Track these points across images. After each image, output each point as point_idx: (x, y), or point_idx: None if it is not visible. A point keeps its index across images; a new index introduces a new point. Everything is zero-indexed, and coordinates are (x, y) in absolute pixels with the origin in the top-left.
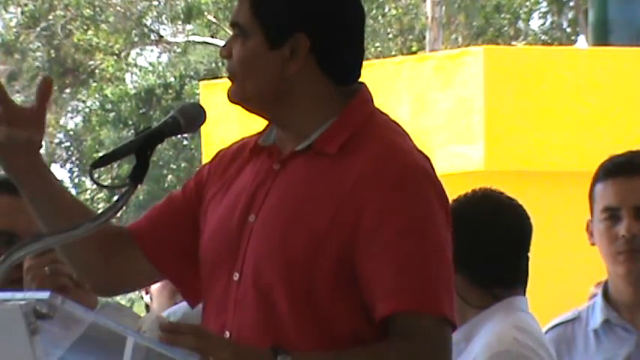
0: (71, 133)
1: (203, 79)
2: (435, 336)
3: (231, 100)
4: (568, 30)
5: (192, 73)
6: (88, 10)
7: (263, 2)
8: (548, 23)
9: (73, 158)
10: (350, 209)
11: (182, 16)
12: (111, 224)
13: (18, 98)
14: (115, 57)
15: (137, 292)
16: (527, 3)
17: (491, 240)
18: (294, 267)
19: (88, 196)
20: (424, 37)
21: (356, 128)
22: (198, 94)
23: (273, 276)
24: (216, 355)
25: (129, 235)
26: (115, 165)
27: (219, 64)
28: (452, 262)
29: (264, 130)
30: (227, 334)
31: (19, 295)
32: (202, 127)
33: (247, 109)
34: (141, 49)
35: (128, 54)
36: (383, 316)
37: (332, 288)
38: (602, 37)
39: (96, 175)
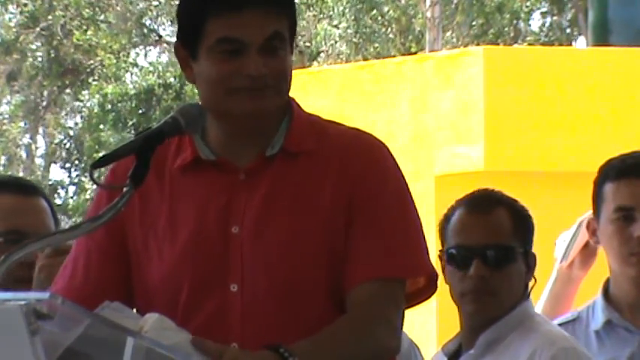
0: (71, 133)
1: None
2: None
3: (260, 112)
4: (568, 30)
5: None
6: (87, 10)
7: (293, 10)
8: (548, 23)
9: (73, 158)
10: (342, 192)
11: None
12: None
13: (18, 98)
14: (115, 57)
15: None
16: (528, 3)
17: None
18: (312, 257)
19: (88, 196)
20: (423, 37)
21: (314, 124)
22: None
23: (290, 272)
24: None
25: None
26: None
27: None
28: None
29: (187, 146)
30: (234, 346)
31: (19, 295)
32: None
33: (257, 121)
34: (141, 49)
35: (128, 54)
36: (368, 279)
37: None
38: (602, 37)
39: (96, 175)
